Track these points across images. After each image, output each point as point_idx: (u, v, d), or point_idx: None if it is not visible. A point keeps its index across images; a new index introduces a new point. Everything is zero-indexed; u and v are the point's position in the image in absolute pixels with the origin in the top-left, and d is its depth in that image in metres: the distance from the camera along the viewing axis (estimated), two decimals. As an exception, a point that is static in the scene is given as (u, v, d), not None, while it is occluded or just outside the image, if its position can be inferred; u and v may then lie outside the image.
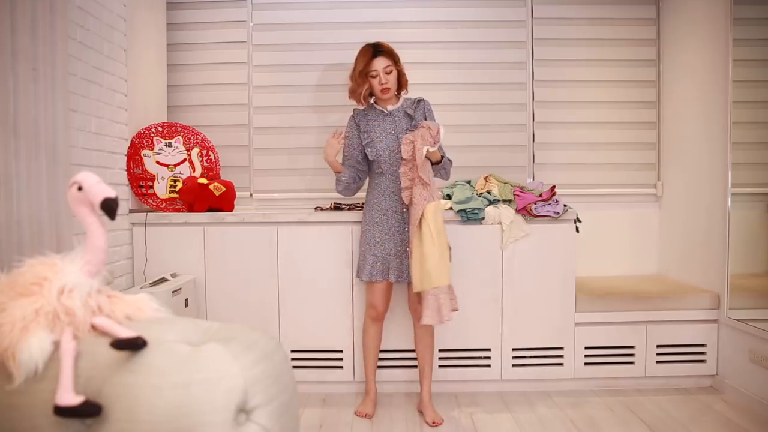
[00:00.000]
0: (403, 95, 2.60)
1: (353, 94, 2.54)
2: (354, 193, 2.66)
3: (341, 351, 2.80)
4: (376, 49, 2.47)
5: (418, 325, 2.53)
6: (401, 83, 2.55)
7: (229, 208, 2.90)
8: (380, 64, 2.45)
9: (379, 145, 2.50)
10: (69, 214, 2.01)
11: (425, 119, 2.53)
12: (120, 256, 2.69)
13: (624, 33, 3.30)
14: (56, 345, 1.17)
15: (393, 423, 2.47)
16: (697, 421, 2.44)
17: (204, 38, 3.28)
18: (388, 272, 2.51)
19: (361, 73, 2.48)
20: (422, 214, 2.30)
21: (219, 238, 2.78)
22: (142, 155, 2.84)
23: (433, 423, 2.44)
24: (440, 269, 2.29)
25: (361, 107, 2.61)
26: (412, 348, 2.70)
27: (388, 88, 2.48)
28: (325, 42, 3.27)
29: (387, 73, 2.46)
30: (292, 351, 2.79)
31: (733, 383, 2.69)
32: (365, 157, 2.57)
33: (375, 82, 2.47)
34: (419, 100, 2.56)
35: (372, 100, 2.61)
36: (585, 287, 2.95)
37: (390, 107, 2.55)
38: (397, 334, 2.75)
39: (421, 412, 2.55)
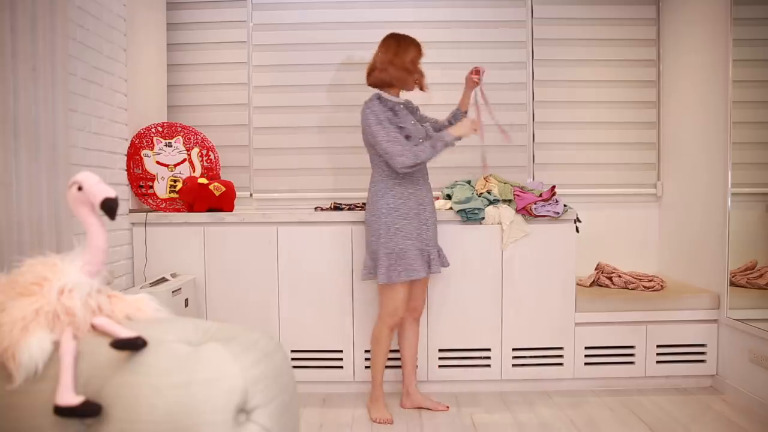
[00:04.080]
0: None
1: (398, 78, 2.42)
2: None
3: (341, 351, 2.80)
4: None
5: (409, 320, 2.58)
6: None
7: (229, 208, 2.90)
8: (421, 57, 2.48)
9: (415, 135, 2.40)
10: (69, 214, 2.01)
11: (421, 115, 2.60)
12: (120, 256, 2.69)
13: (624, 33, 3.30)
14: (56, 345, 1.17)
15: (393, 423, 2.47)
16: (697, 421, 2.44)
17: (204, 38, 3.28)
18: (430, 264, 2.46)
19: (414, 60, 2.44)
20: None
21: (219, 238, 2.78)
22: (142, 155, 2.84)
23: (446, 407, 2.57)
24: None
25: (399, 99, 2.49)
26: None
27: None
28: (324, 42, 3.27)
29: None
30: (292, 351, 2.79)
31: (733, 383, 2.69)
32: None
33: (419, 70, 2.45)
34: (408, 101, 2.59)
35: (379, 93, 2.46)
36: (585, 287, 2.95)
37: (402, 101, 2.52)
38: (394, 334, 2.74)
39: (418, 407, 2.58)
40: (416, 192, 2.44)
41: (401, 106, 2.49)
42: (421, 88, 2.52)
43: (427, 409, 2.57)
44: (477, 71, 2.52)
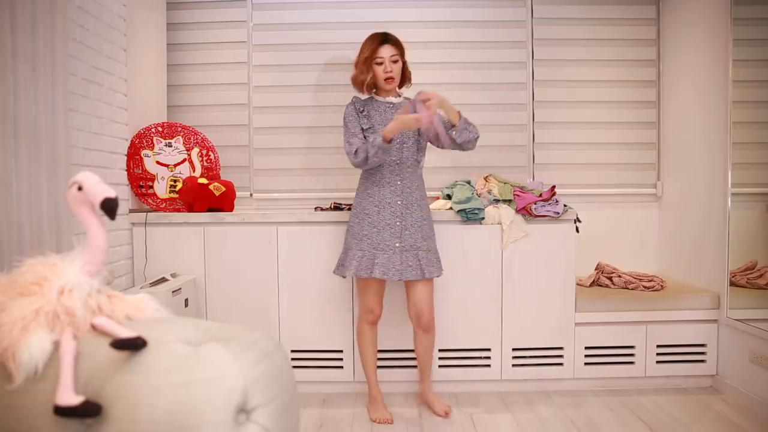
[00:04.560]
0: (406, 87, 2.57)
1: (355, 81, 2.48)
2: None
3: (341, 351, 2.80)
4: (384, 37, 2.42)
5: (416, 329, 2.54)
6: (404, 77, 2.52)
7: (229, 208, 2.90)
8: (387, 52, 2.40)
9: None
10: (69, 214, 2.01)
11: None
12: (120, 256, 2.69)
13: (624, 33, 3.30)
14: (56, 345, 1.17)
15: (393, 423, 2.47)
16: (697, 421, 2.44)
17: (204, 38, 3.28)
18: (373, 268, 2.37)
19: (367, 60, 2.41)
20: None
21: (219, 238, 2.78)
22: (142, 155, 2.84)
23: (446, 413, 2.50)
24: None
25: (363, 97, 2.53)
26: (411, 348, 2.69)
27: (392, 78, 2.42)
28: (325, 42, 3.27)
29: (393, 62, 2.41)
30: (292, 351, 2.79)
31: (733, 383, 2.69)
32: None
33: (380, 69, 2.40)
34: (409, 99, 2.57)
35: (359, 96, 2.54)
36: (585, 287, 2.95)
37: (394, 100, 2.50)
38: (395, 334, 2.75)
39: (425, 405, 2.59)
40: (375, 193, 2.43)
41: (389, 105, 2.48)
42: (380, 87, 2.44)
43: (430, 409, 2.57)
44: (424, 100, 2.28)
